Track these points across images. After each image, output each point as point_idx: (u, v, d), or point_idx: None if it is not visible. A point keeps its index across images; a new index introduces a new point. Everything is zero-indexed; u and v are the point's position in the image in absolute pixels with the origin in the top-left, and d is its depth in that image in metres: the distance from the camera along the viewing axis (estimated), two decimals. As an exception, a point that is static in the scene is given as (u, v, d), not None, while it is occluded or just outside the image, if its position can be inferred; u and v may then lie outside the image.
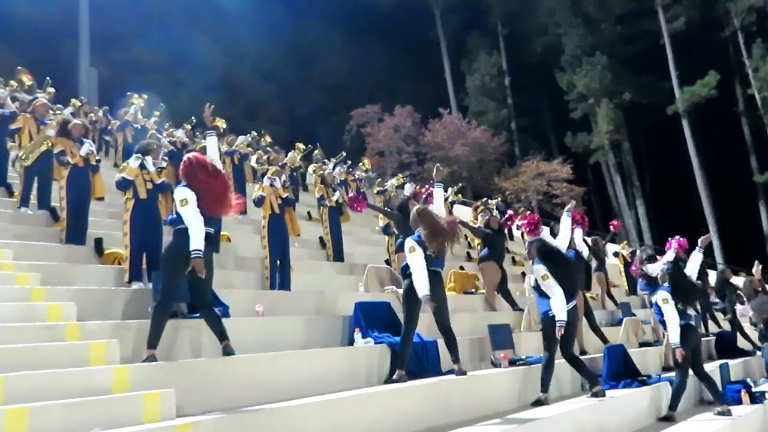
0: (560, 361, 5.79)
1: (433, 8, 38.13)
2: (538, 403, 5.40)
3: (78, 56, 25.82)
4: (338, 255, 9.21)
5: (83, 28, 26.13)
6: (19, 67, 12.02)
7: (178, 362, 4.14)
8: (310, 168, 16.12)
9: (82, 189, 6.72)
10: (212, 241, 4.46)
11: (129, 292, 5.23)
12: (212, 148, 4.72)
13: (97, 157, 7.03)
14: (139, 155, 5.85)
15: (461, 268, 10.67)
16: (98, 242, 6.48)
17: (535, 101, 36.82)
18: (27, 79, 11.82)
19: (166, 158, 7.20)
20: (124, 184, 5.78)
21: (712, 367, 7.56)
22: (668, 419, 5.88)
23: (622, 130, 33.55)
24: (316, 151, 17.56)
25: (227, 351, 4.25)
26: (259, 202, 6.96)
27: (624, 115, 33.32)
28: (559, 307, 5.50)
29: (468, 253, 13.13)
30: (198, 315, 4.93)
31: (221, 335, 4.30)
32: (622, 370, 6.50)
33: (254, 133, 14.17)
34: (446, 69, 38.50)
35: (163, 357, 4.23)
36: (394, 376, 5.05)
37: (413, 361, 5.52)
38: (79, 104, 11.33)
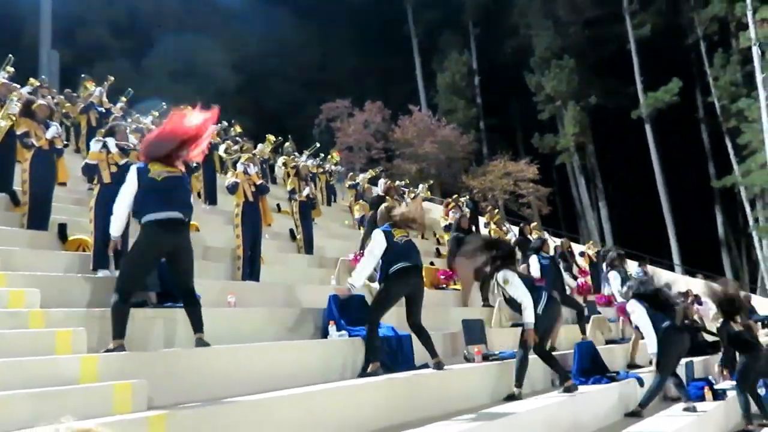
0: (532, 357, 5.84)
1: (405, 5, 38.10)
2: (511, 397, 5.42)
3: (39, 38, 24.92)
4: (308, 248, 9.11)
5: (45, 10, 25.22)
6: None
7: (148, 353, 4.00)
8: (280, 160, 15.92)
9: (47, 173, 6.44)
10: (185, 225, 4.32)
11: (94, 280, 5.04)
12: None
13: (65, 141, 6.75)
14: (100, 138, 5.63)
15: (431, 263, 10.69)
16: (62, 228, 6.23)
17: (503, 101, 37.14)
18: (-18, 59, 11.34)
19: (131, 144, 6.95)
20: (87, 170, 5.58)
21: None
22: (635, 414, 5.97)
23: (588, 132, 34.12)
24: (286, 144, 17.37)
25: (200, 342, 4.13)
26: (232, 188, 6.80)
27: (590, 118, 33.90)
28: (528, 311, 5.54)
29: (437, 249, 13.17)
30: (169, 304, 4.79)
31: (197, 325, 4.18)
32: (591, 367, 6.59)
33: (224, 123, 13.89)
34: (417, 66, 38.54)
35: (132, 347, 4.08)
36: (369, 369, 4.97)
37: (387, 355, 5.47)
38: (38, 84, 10.88)
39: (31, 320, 3.85)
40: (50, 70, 23.53)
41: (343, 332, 5.39)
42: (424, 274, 9.29)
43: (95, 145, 5.66)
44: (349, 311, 5.69)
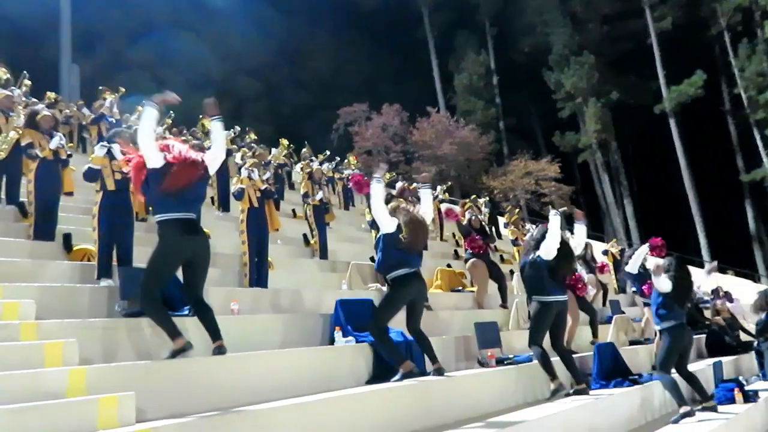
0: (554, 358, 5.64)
1: (421, 7, 37.95)
2: (555, 392, 5.32)
3: (59, 52, 25.34)
4: (323, 253, 8.98)
5: (65, 24, 25.61)
6: (-7, 62, 11.65)
7: (141, 363, 3.86)
8: (298, 166, 15.85)
9: (51, 183, 6.41)
10: (198, 230, 4.20)
11: (95, 290, 4.94)
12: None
13: (69, 152, 6.72)
14: (105, 143, 5.57)
15: (448, 265, 10.47)
16: (67, 238, 6.18)
17: (523, 100, 36.76)
18: (2, 73, 11.47)
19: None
20: (90, 174, 5.51)
21: (704, 365, 7.42)
22: (688, 415, 5.61)
23: (610, 129, 33.56)
24: (303, 150, 17.32)
25: (219, 351, 4.02)
26: (239, 195, 6.70)
27: (611, 114, 33.33)
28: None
29: (455, 251, 12.93)
30: (175, 313, 4.67)
31: (215, 333, 4.08)
32: (612, 369, 6.30)
33: (237, 128, 13.87)
34: (434, 68, 38.35)
35: (131, 357, 3.96)
36: (402, 371, 4.74)
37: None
38: (54, 97, 10.97)
39: (22, 332, 3.76)
40: (71, 84, 23.91)
41: (350, 338, 5.23)
42: (441, 276, 9.27)
43: (100, 150, 5.62)
44: (356, 316, 5.52)
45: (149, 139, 4.00)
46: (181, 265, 4.16)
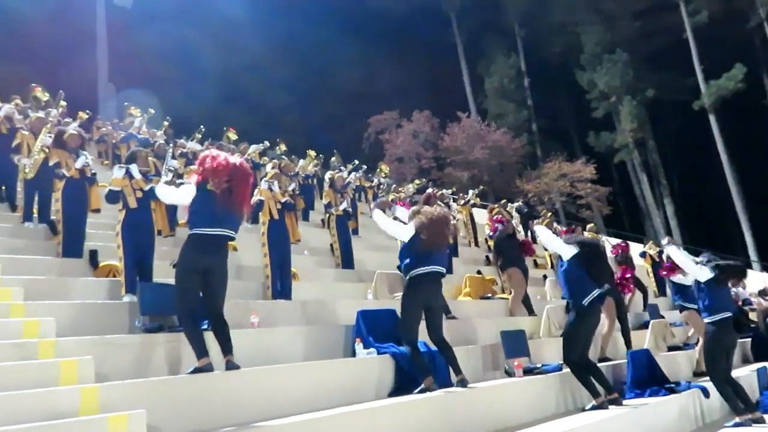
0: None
1: (448, 12, 37.79)
2: (594, 408, 5.17)
3: (96, 72, 26.06)
4: (347, 262, 8.91)
5: (101, 45, 26.35)
6: (32, 84, 12.03)
7: (155, 380, 3.85)
8: (327, 175, 15.89)
9: (78, 201, 6.53)
10: (221, 246, 4.28)
11: (116, 306, 4.99)
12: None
13: (93, 170, 6.83)
14: (123, 165, 5.71)
15: (478, 272, 10.30)
16: (93, 254, 6.28)
17: (555, 101, 36.16)
18: (41, 95, 11.82)
19: (172, 168, 6.93)
20: (111, 197, 5.66)
21: (749, 371, 7.09)
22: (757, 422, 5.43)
23: (647, 127, 32.70)
24: (333, 159, 17.36)
25: (231, 365, 4.04)
26: (258, 207, 6.73)
27: (648, 112, 32.49)
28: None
29: (487, 256, 12.74)
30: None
31: (227, 347, 4.11)
32: (647, 377, 6.05)
33: (266, 143, 13.97)
34: (464, 72, 38.05)
35: (140, 374, 3.96)
36: (423, 386, 4.69)
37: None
38: (86, 117, 11.23)
39: (40, 351, 3.79)
40: (107, 102, 24.52)
41: (372, 350, 5.14)
42: (470, 283, 9.10)
43: (118, 172, 5.73)
44: (379, 327, 5.43)
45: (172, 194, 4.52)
46: (198, 278, 4.17)
